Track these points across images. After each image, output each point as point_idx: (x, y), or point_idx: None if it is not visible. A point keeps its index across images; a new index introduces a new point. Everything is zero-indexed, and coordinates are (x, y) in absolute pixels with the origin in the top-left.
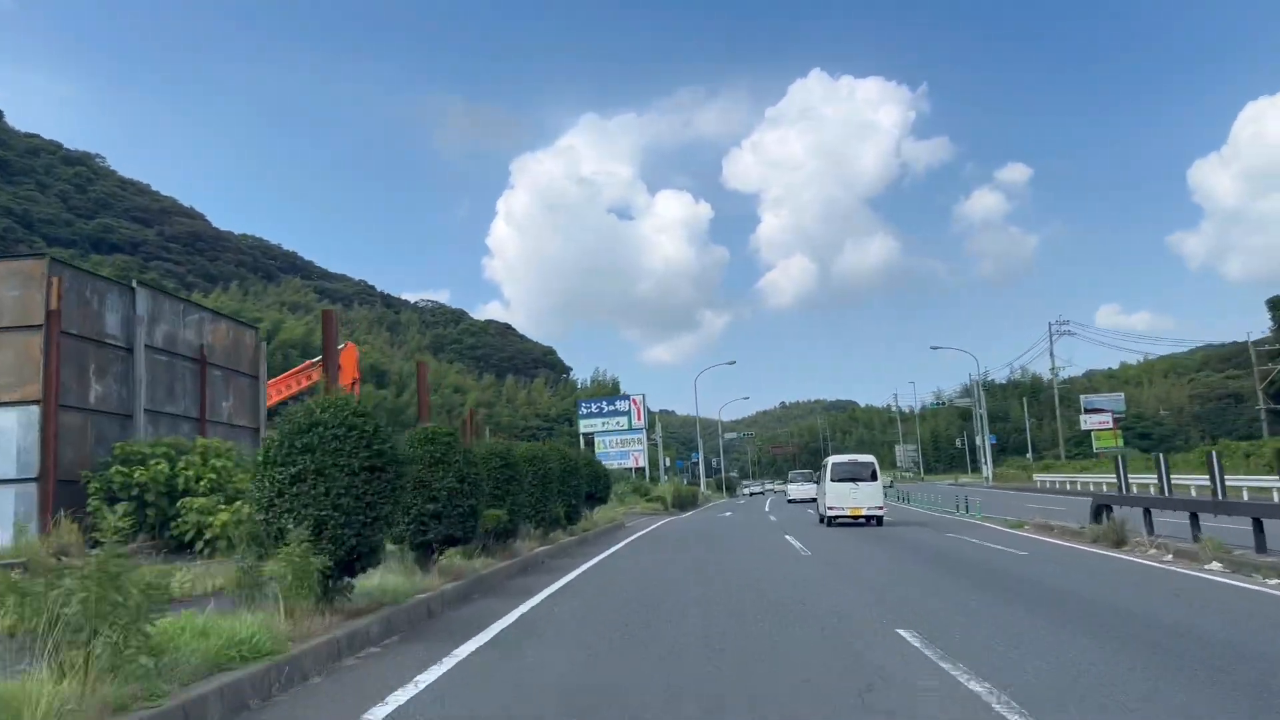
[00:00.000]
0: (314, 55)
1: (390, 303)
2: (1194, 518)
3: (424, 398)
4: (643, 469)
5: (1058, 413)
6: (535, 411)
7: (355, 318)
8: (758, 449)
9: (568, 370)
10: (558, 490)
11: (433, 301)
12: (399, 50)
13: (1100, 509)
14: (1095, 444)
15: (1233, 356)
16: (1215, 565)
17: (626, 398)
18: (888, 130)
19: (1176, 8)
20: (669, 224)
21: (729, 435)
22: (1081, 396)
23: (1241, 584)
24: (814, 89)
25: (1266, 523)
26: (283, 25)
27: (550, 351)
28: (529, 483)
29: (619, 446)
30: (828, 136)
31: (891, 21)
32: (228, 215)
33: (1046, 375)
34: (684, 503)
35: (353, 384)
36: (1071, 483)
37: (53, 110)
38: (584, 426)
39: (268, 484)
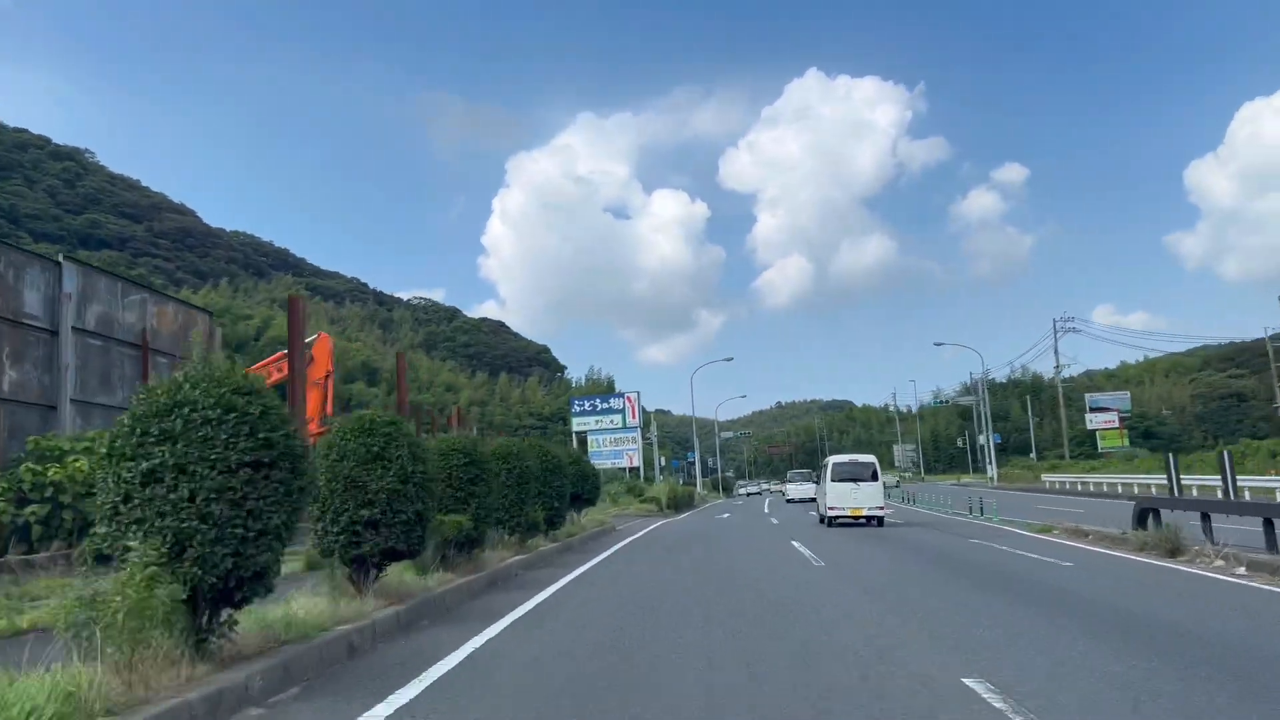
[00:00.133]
0: (310, 53)
1: (383, 300)
2: (1268, 524)
3: (402, 391)
4: (637, 469)
5: (1062, 411)
6: (529, 410)
7: (347, 315)
8: (754, 449)
9: (562, 369)
10: (537, 492)
11: (426, 299)
12: (395, 48)
13: (1145, 513)
14: (1100, 444)
15: (1235, 356)
16: None
17: (620, 395)
18: (884, 130)
19: (1173, 9)
20: (665, 223)
21: (725, 434)
22: (1086, 395)
23: None
24: (811, 88)
25: None
26: (278, 23)
27: (544, 350)
28: (502, 483)
29: (613, 445)
30: (824, 136)
31: (889, 21)
32: (221, 213)
33: (1047, 374)
34: (679, 504)
35: (326, 377)
36: (1082, 483)
37: (45, 107)
38: (577, 425)
39: (112, 484)
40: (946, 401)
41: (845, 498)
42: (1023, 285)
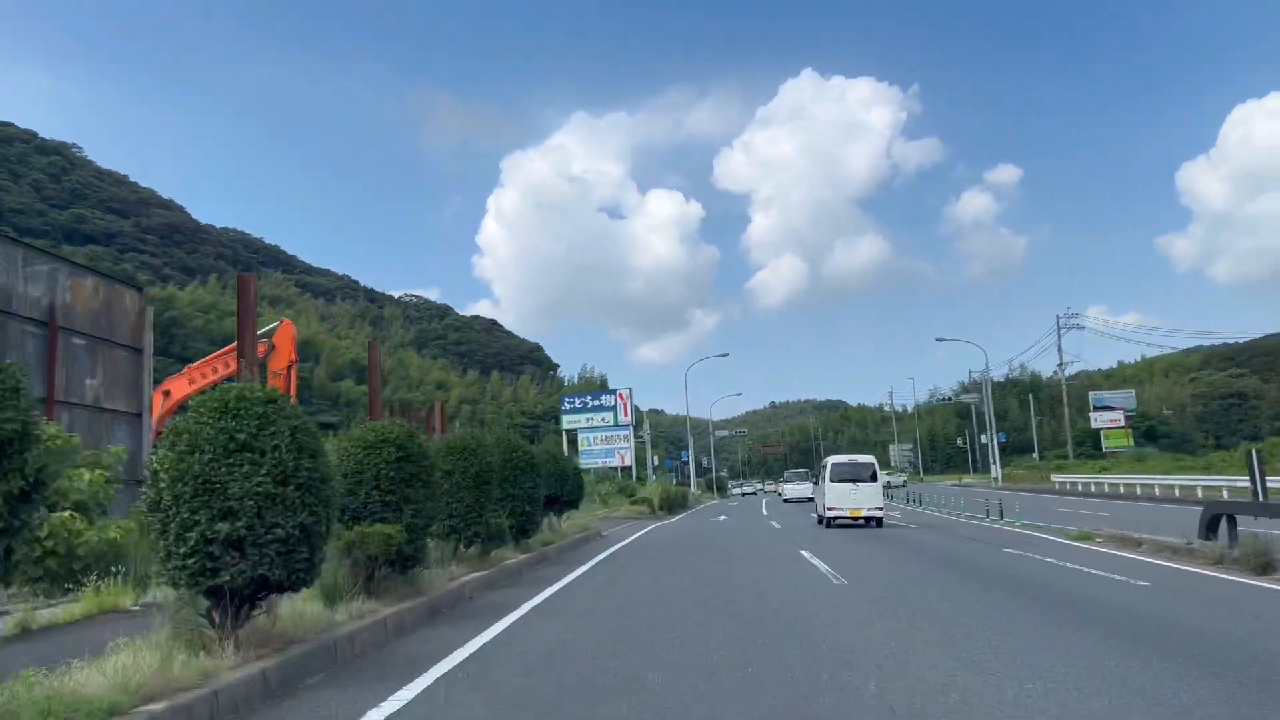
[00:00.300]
0: (304, 50)
1: (374, 298)
2: None
3: (374, 383)
4: (629, 468)
5: (1065, 410)
6: (521, 409)
7: (338, 312)
8: (748, 449)
9: (555, 367)
10: (504, 494)
11: (417, 296)
12: (389, 47)
13: (1216, 520)
14: (1105, 443)
15: (1235, 355)
16: None
17: (612, 392)
18: (879, 131)
19: (1166, 12)
20: (660, 223)
21: (720, 433)
22: (1091, 394)
23: None
24: (805, 89)
25: None
26: (272, 20)
27: (537, 348)
28: (456, 484)
29: (604, 444)
30: (819, 136)
31: (883, 22)
32: (214, 211)
33: (1046, 373)
34: (673, 504)
35: (289, 367)
36: (1096, 484)
37: (34, 103)
38: (567, 422)
39: None
40: (950, 398)
41: (844, 498)
42: (1016, 286)
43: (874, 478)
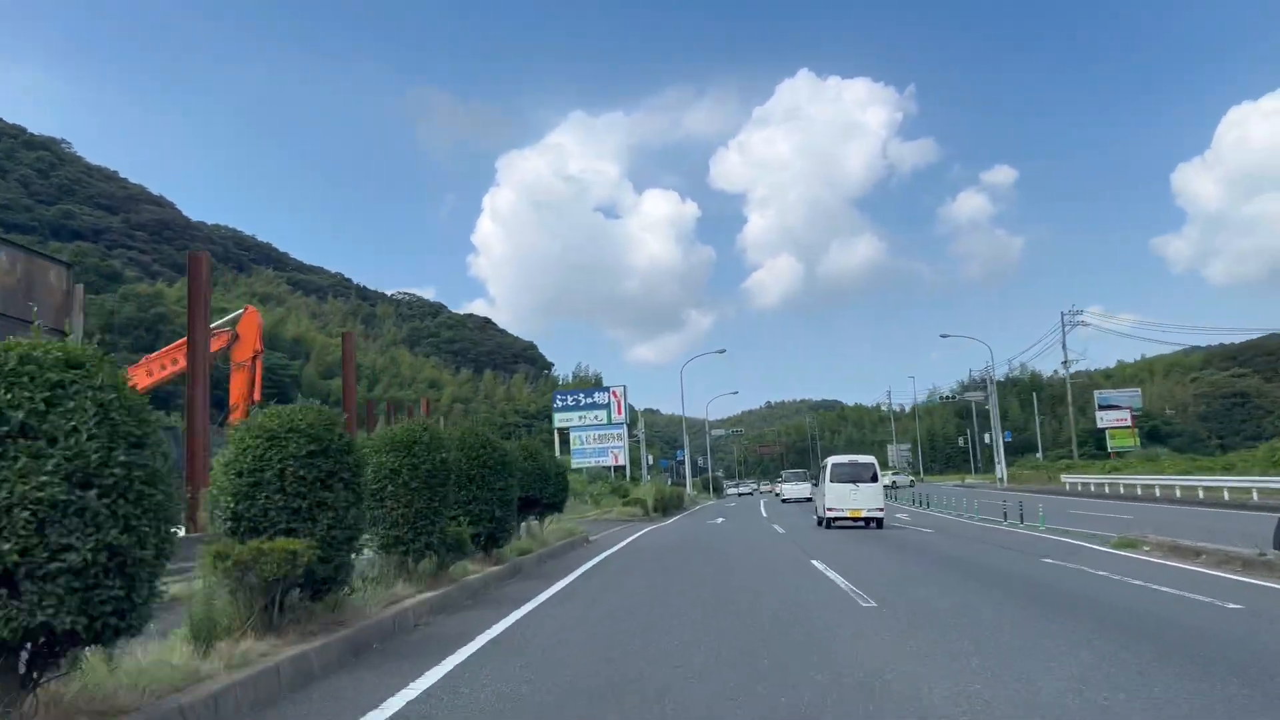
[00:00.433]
0: (300, 48)
1: (366, 295)
2: None
3: (349, 376)
4: (623, 467)
5: (1070, 409)
6: (514, 408)
7: (329, 310)
8: (744, 448)
9: (549, 366)
10: (470, 496)
11: (410, 294)
12: (385, 45)
13: None
14: (1110, 443)
15: (1237, 354)
16: None
17: (606, 389)
18: (875, 131)
19: (1162, 13)
20: (655, 223)
21: (716, 432)
22: (1096, 393)
23: None
24: (801, 89)
25: None
26: (267, 17)
27: (531, 346)
28: (405, 484)
29: (597, 443)
30: (815, 137)
31: (880, 22)
32: (208, 209)
33: (1046, 372)
34: (667, 506)
35: (254, 357)
36: (1110, 485)
37: (25, 99)
38: (559, 420)
39: None
40: (953, 396)
41: (845, 499)
42: (1013, 287)
43: (874, 478)
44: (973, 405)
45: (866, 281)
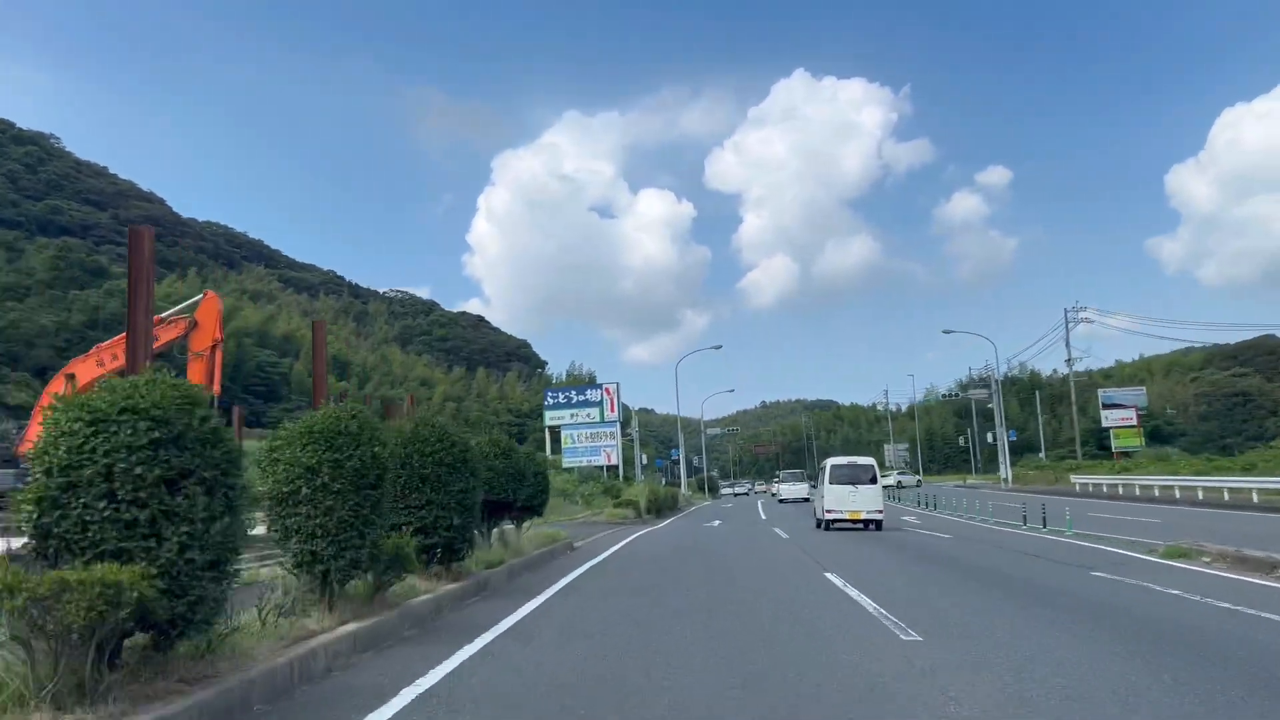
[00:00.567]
0: (296, 46)
1: (358, 293)
2: None
3: (319, 367)
4: (615, 467)
5: (1074, 408)
6: (507, 406)
7: (321, 307)
8: (739, 448)
9: (543, 364)
10: (419, 500)
11: (403, 292)
12: (381, 44)
13: None
14: (1115, 443)
15: (1238, 354)
16: None
17: (598, 386)
18: (870, 131)
19: (1156, 15)
20: (651, 223)
21: (712, 431)
22: (1100, 391)
23: None
24: (797, 89)
25: None
26: (262, 15)
27: (524, 344)
28: (324, 485)
29: (589, 441)
30: (810, 137)
31: (876, 23)
32: (202, 206)
33: (1046, 371)
34: (661, 507)
35: (214, 346)
36: (1125, 486)
37: (14, 94)
38: (550, 418)
39: None
40: (957, 393)
41: (844, 501)
42: (1008, 287)
43: (874, 480)
44: (972, 404)
45: (862, 282)
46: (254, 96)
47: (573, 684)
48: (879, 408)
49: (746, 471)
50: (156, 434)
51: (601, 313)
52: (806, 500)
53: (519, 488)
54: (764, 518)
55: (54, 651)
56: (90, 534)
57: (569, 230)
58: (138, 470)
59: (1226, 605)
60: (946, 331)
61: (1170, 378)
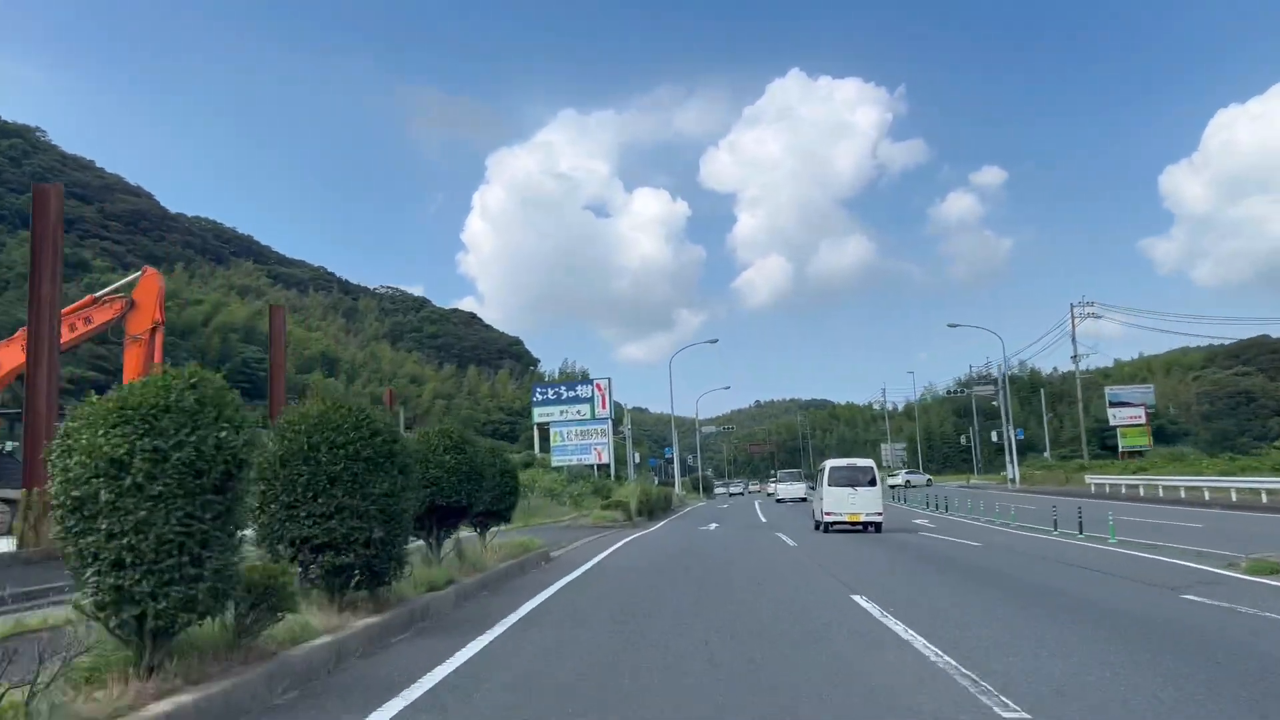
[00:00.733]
0: (288, 43)
1: (348, 289)
2: None
3: (277, 355)
4: (607, 466)
5: (1080, 406)
6: (498, 404)
7: (310, 304)
8: (734, 447)
9: (535, 362)
10: (324, 508)
11: (394, 289)
12: (376, 41)
13: None
14: (1121, 442)
15: (1240, 353)
16: None
17: (589, 382)
18: (865, 131)
19: (1152, 16)
20: (646, 222)
21: (707, 430)
22: (1107, 389)
23: None
24: (792, 89)
25: None
26: (256, 11)
27: (516, 342)
28: (136, 487)
29: (579, 439)
30: (805, 137)
31: (871, 23)
32: (193, 202)
33: (1046, 370)
34: (653, 508)
35: (153, 329)
36: (1147, 487)
37: (2, 88)
38: (539, 415)
39: None
40: (961, 390)
41: (843, 503)
42: (1004, 287)
43: (873, 482)
44: (973, 402)
45: (857, 281)
46: (245, 91)
47: None
48: (875, 406)
49: (741, 471)
50: None
51: (596, 312)
52: (804, 500)
53: (476, 490)
54: (764, 520)
55: None
56: None
57: (564, 229)
58: None
59: None
60: (952, 325)
61: (1171, 376)
